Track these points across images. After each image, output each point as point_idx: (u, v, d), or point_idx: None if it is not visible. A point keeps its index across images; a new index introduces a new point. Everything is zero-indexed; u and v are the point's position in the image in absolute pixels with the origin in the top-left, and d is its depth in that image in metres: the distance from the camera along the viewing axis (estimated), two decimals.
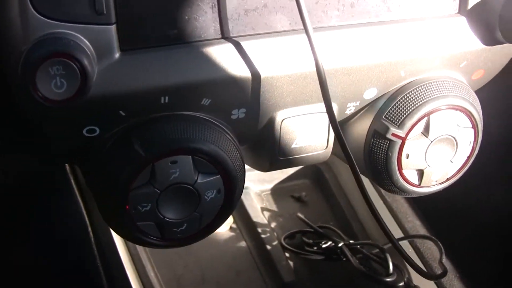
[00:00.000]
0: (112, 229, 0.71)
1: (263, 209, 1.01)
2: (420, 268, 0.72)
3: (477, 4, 0.71)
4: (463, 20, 0.71)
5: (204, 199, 0.64)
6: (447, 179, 0.75)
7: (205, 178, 0.64)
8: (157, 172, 0.62)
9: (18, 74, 0.54)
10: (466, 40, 0.71)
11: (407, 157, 0.70)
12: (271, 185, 1.05)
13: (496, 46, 0.72)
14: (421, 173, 0.73)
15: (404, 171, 0.72)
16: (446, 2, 0.70)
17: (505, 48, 0.73)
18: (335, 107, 0.69)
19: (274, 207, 1.03)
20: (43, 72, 0.54)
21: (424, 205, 0.93)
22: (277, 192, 1.05)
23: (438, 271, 0.85)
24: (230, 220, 1.01)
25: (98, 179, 0.65)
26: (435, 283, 0.89)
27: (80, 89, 0.55)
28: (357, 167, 0.66)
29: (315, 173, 1.06)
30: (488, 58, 0.73)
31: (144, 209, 0.63)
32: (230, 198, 0.66)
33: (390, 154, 0.70)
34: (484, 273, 0.90)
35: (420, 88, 0.70)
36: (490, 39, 0.71)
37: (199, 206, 0.65)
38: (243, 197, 1.04)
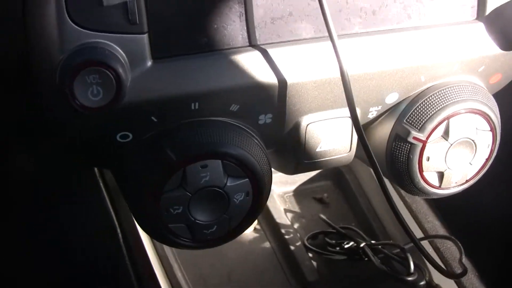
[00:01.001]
0: (144, 231, 0.73)
1: (286, 210, 1.03)
2: (441, 267, 0.74)
3: (494, 11, 0.73)
4: (480, 26, 0.73)
5: (233, 202, 0.67)
6: (467, 181, 0.77)
7: (234, 181, 0.66)
8: (188, 175, 0.64)
9: (54, 82, 0.57)
10: (484, 45, 0.73)
11: (428, 160, 0.73)
12: (293, 187, 1.08)
13: None
14: (441, 175, 0.75)
15: (425, 173, 0.74)
16: (464, 8, 0.73)
17: None
18: (358, 112, 0.72)
19: (296, 209, 1.05)
20: (80, 81, 0.57)
21: (444, 205, 0.95)
22: (300, 193, 1.08)
23: (458, 270, 0.87)
24: (254, 222, 1.03)
25: (131, 182, 0.68)
26: (456, 282, 0.91)
27: (115, 96, 0.58)
28: (379, 169, 0.68)
29: (336, 175, 1.08)
30: (505, 63, 0.76)
31: (176, 211, 0.66)
32: (258, 201, 0.69)
33: (411, 157, 0.73)
34: (503, 271, 0.92)
35: (440, 92, 0.72)
36: (507, 44, 0.73)
37: (229, 209, 0.67)
38: None
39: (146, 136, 0.65)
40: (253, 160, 0.66)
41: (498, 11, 0.73)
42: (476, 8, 0.73)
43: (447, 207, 0.98)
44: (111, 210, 0.88)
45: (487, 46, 0.74)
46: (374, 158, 0.68)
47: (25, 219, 0.83)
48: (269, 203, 1.04)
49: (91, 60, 0.57)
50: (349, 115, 0.70)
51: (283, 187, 1.07)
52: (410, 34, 0.71)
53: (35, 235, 0.84)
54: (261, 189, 0.68)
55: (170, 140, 0.65)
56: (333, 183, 1.09)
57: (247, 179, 0.67)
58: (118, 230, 0.87)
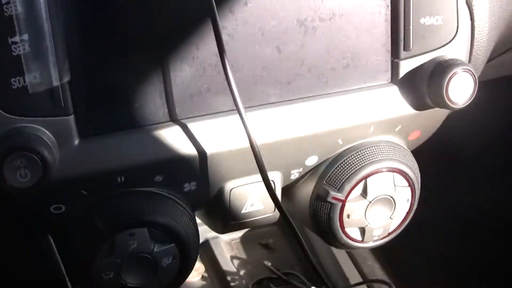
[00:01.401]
0: None
1: (232, 257, 1.07)
2: None
3: (407, 74, 0.77)
4: (395, 89, 0.77)
5: (162, 266, 0.71)
6: (389, 234, 0.82)
7: (161, 247, 0.71)
8: (117, 244, 0.69)
9: None
10: (399, 106, 0.78)
11: (348, 217, 0.77)
12: (240, 234, 1.11)
13: (428, 110, 0.78)
14: (363, 230, 0.79)
15: (346, 229, 0.78)
16: (378, 73, 0.77)
17: (437, 112, 0.79)
18: (279, 175, 0.76)
19: (243, 255, 1.09)
20: (8, 165, 0.61)
21: (383, 248, 0.99)
22: (246, 239, 1.11)
23: None
24: (202, 269, 1.07)
25: (66, 249, 0.72)
26: None
27: (42, 177, 0.62)
28: (295, 227, 0.74)
29: (282, 221, 1.12)
30: (421, 121, 0.80)
31: (108, 276, 0.70)
32: (186, 263, 0.73)
33: (332, 215, 0.77)
34: None
35: (356, 154, 0.77)
36: (421, 105, 0.78)
37: (158, 272, 0.71)
38: (213, 246, 1.11)
39: (77, 208, 0.69)
40: (178, 226, 0.70)
41: (411, 74, 0.78)
42: (390, 72, 0.77)
43: (386, 249, 1.02)
44: None
45: (401, 107, 0.78)
46: (288, 215, 0.74)
47: None
48: (216, 250, 1.09)
49: (17, 147, 0.61)
50: (272, 179, 0.74)
51: (230, 234, 1.11)
52: (325, 100, 0.75)
53: None
54: (187, 252, 0.72)
55: (99, 211, 0.69)
56: (279, 229, 1.13)
57: (173, 244, 0.71)
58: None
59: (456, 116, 0.84)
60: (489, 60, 0.92)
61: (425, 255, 1.02)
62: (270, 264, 1.05)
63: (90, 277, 0.70)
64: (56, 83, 0.63)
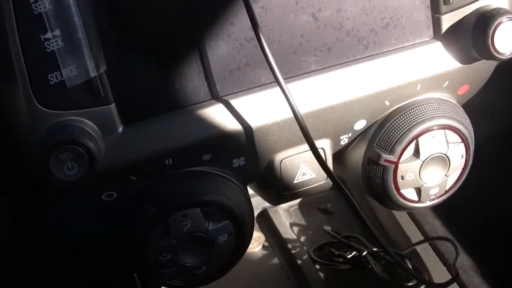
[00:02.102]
0: (142, 278, 0.78)
1: (291, 224, 1.07)
2: (425, 279, 0.77)
3: (449, 28, 0.75)
4: (438, 45, 0.76)
5: (218, 243, 0.71)
6: (446, 192, 0.80)
7: (215, 225, 0.71)
8: (171, 226, 0.69)
9: (32, 163, 0.62)
10: (444, 62, 0.76)
11: (402, 179, 0.76)
12: (298, 200, 1.11)
13: (475, 63, 0.76)
14: (419, 191, 0.78)
15: (402, 191, 0.77)
16: (420, 30, 0.75)
17: (484, 64, 0.77)
18: (328, 142, 0.75)
19: (302, 221, 1.09)
20: (54, 160, 0.61)
21: (444, 204, 0.97)
22: (304, 205, 1.11)
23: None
24: (262, 239, 1.07)
25: (122, 237, 0.73)
26: (456, 281, 0.94)
27: (89, 168, 0.63)
28: (348, 193, 0.74)
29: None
30: (469, 74, 0.78)
31: (165, 258, 0.71)
32: (241, 238, 0.73)
33: (385, 178, 0.76)
34: (505, 269, 0.94)
35: (405, 114, 0.75)
36: (467, 58, 0.76)
37: (214, 250, 0.72)
38: (272, 215, 1.11)
39: (129, 193, 0.69)
40: (231, 203, 0.70)
41: (453, 28, 0.76)
42: (431, 28, 0.76)
43: (446, 206, 1.01)
44: None
45: (447, 62, 0.76)
46: (341, 184, 0.73)
47: None
48: (275, 219, 1.09)
49: (61, 141, 0.62)
50: (321, 146, 0.73)
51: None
52: (368, 63, 0.74)
53: None
54: (242, 227, 0.72)
55: (150, 195, 0.69)
56: (336, 193, 1.12)
57: (228, 221, 0.71)
58: None
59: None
60: None
61: (487, 212, 1.00)
62: (330, 228, 1.05)
63: (147, 261, 0.70)
64: (93, 74, 0.63)
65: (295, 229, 1.07)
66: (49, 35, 0.60)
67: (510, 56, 0.73)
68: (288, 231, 1.06)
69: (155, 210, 0.69)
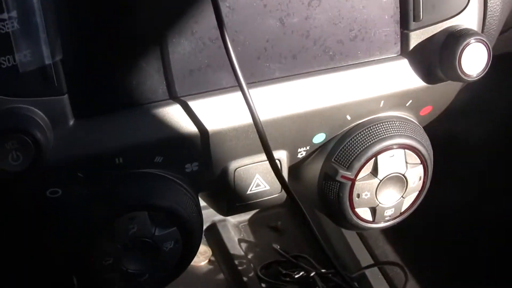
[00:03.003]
0: (81, 281, 0.74)
1: (240, 240, 1.05)
2: None
3: (417, 46, 0.74)
4: (405, 62, 0.74)
5: (163, 250, 0.68)
6: (401, 214, 0.78)
7: (162, 231, 0.68)
8: (117, 228, 0.66)
9: None
10: (409, 80, 0.75)
11: (358, 197, 0.74)
12: (248, 216, 1.09)
13: (440, 83, 0.75)
14: (374, 210, 0.76)
15: (357, 210, 0.75)
16: (388, 45, 0.74)
17: (449, 85, 0.76)
18: (285, 153, 0.73)
19: (251, 238, 1.06)
20: None
21: (395, 228, 0.96)
22: (254, 222, 1.09)
23: None
24: (209, 253, 1.04)
25: (64, 236, 0.69)
26: None
27: (35, 159, 0.59)
28: (302, 208, 0.71)
29: (290, 201, 1.09)
30: (433, 95, 0.77)
31: (108, 262, 0.67)
32: (188, 247, 0.70)
33: (341, 195, 0.74)
34: None
35: (366, 130, 0.73)
36: (432, 78, 0.75)
37: (159, 257, 0.68)
38: (220, 229, 1.08)
39: (75, 191, 0.66)
40: (180, 209, 0.67)
41: (421, 46, 0.74)
42: (399, 44, 0.74)
43: (398, 230, 1.00)
44: None
45: (412, 80, 0.75)
46: (296, 197, 0.71)
47: None
48: (224, 233, 1.06)
49: (7, 128, 0.58)
50: (278, 157, 0.71)
51: (237, 217, 1.08)
52: (332, 74, 0.72)
53: None
54: (190, 236, 0.69)
55: (97, 194, 0.66)
56: (288, 210, 1.10)
57: (175, 228, 0.68)
58: None
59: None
60: (502, 32, 0.88)
61: (439, 238, 0.99)
62: (278, 247, 1.03)
63: (89, 264, 0.67)
64: (48, 61, 0.60)
65: (244, 245, 1.04)
66: (4, 15, 0.57)
67: (476, 78, 0.72)
68: (236, 247, 1.03)
69: (101, 210, 0.65)
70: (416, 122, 0.78)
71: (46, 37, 0.60)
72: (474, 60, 0.72)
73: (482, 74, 0.73)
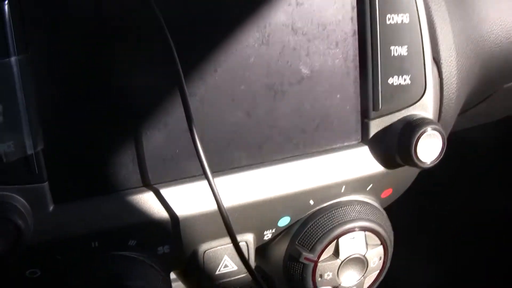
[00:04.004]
0: None
1: None
2: None
3: (377, 133, 0.79)
4: (365, 149, 0.79)
5: None
6: None
7: None
8: None
9: None
10: (369, 166, 0.79)
11: (321, 277, 0.78)
12: None
13: (398, 168, 0.80)
14: None
15: None
16: (349, 133, 0.79)
17: (408, 169, 0.81)
18: (252, 236, 0.77)
19: None
20: None
21: None
22: None
23: None
24: None
25: None
26: None
27: (16, 243, 0.63)
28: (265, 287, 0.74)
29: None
30: (393, 179, 0.82)
31: None
32: None
33: (304, 276, 0.78)
34: None
35: (327, 214, 0.78)
36: (391, 163, 0.80)
37: None
38: None
39: (53, 272, 0.70)
40: None
41: (380, 133, 0.79)
42: (360, 132, 0.79)
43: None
44: None
45: (372, 166, 0.80)
46: (260, 280, 0.74)
47: None
48: None
49: None
50: (244, 240, 0.75)
51: None
52: (296, 162, 0.76)
53: None
54: None
55: (74, 276, 0.70)
56: None
57: None
58: None
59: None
60: (462, 112, 0.93)
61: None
62: None
63: None
64: (30, 151, 0.65)
65: None
66: None
67: (431, 165, 0.76)
68: None
69: None
70: (376, 205, 0.82)
71: (29, 129, 0.64)
72: (429, 148, 0.77)
73: (437, 162, 0.77)
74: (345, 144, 0.79)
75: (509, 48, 0.89)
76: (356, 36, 0.76)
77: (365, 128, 0.79)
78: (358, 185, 0.79)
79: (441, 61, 0.83)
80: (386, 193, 0.83)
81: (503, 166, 1.01)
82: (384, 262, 0.82)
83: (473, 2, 0.86)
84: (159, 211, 0.71)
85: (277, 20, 0.72)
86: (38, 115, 0.65)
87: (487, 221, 1.03)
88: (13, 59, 0.62)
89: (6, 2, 0.61)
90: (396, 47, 0.76)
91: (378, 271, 0.82)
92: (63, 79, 0.66)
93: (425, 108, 0.80)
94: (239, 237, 0.75)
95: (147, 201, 0.71)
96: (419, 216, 0.98)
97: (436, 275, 1.08)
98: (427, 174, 0.85)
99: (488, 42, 0.87)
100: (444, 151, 0.77)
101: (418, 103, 0.79)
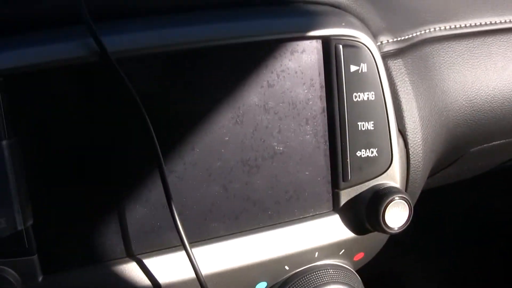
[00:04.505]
0: None
1: None
2: None
3: (347, 202, 0.84)
4: (336, 217, 0.84)
5: None
6: None
7: None
8: None
9: None
10: (341, 232, 0.85)
11: None
12: None
13: (369, 234, 0.85)
14: None
15: None
16: (320, 202, 0.84)
17: (377, 235, 0.86)
18: None
19: None
20: None
21: None
22: None
23: None
24: None
25: None
26: None
27: None
28: None
29: None
30: (364, 244, 0.87)
31: None
32: None
33: None
34: None
35: (302, 279, 0.83)
36: (361, 229, 0.85)
37: None
38: None
39: None
40: None
41: (350, 202, 0.85)
42: (331, 201, 0.84)
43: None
44: None
45: (343, 232, 0.85)
46: None
47: None
48: None
49: None
50: None
51: None
52: (271, 231, 0.82)
53: None
54: None
55: None
56: None
57: None
58: None
59: None
60: (431, 175, 0.98)
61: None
62: None
63: None
64: (20, 227, 0.70)
65: None
66: None
67: (398, 231, 0.82)
68: None
69: None
70: (349, 268, 0.87)
71: (19, 206, 0.69)
72: (396, 215, 0.82)
73: (404, 227, 0.82)
74: (317, 213, 0.84)
75: (472, 116, 0.94)
76: (325, 113, 0.81)
77: (335, 197, 0.85)
78: (331, 250, 0.84)
79: (407, 133, 0.87)
80: (358, 256, 0.88)
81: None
82: None
83: (437, 76, 0.91)
84: (142, 280, 0.76)
85: (250, 100, 0.77)
86: (27, 193, 0.70)
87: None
88: (4, 142, 0.68)
89: None
90: (363, 122, 0.81)
91: None
92: (50, 160, 0.71)
93: (393, 177, 0.85)
94: None
95: (131, 270, 0.76)
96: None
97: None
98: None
99: (452, 112, 0.92)
100: (411, 217, 0.82)
101: (385, 173, 0.85)
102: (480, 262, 1.06)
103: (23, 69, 0.68)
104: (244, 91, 0.76)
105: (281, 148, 0.79)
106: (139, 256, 0.76)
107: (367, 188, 0.84)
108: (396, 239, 0.89)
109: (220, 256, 0.79)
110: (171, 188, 0.72)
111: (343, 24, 0.78)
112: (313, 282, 0.82)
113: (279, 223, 0.82)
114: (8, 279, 0.69)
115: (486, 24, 0.94)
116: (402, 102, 0.86)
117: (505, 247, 1.05)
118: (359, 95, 0.80)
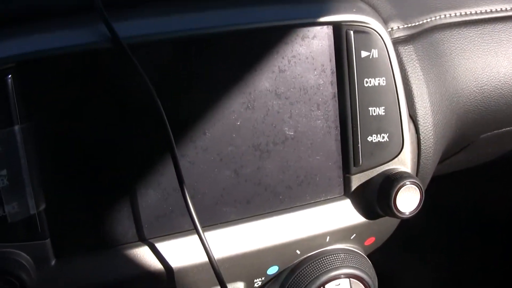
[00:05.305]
0: None
1: None
2: None
3: (358, 187, 0.85)
4: (347, 201, 0.85)
5: None
6: None
7: None
8: None
9: None
10: (352, 217, 0.85)
11: None
12: None
13: (379, 218, 0.86)
14: None
15: None
16: (331, 187, 0.84)
17: (388, 219, 0.86)
18: (242, 284, 0.83)
19: None
20: None
21: None
22: None
23: None
24: None
25: None
26: None
27: None
28: None
29: None
30: (375, 228, 0.87)
31: None
32: None
33: None
34: None
35: (314, 263, 0.83)
36: (372, 214, 0.85)
37: None
38: None
39: None
40: None
41: (361, 187, 0.85)
42: (342, 186, 0.85)
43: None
44: None
45: (354, 217, 0.85)
46: None
47: None
48: None
49: None
50: None
51: None
52: (282, 216, 0.82)
53: None
54: None
55: None
56: None
57: None
58: None
59: None
60: (442, 161, 0.99)
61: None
62: None
63: None
64: (33, 211, 0.71)
65: None
66: None
67: (409, 216, 0.82)
68: None
69: None
70: (360, 252, 0.88)
71: (32, 191, 0.70)
72: (408, 200, 0.82)
73: (416, 212, 0.83)
74: (328, 197, 0.85)
75: (483, 102, 0.94)
76: (336, 99, 0.81)
77: (347, 182, 0.85)
78: (342, 235, 0.85)
79: (417, 118, 0.87)
80: (369, 241, 0.88)
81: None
82: None
83: (447, 62, 0.91)
84: (154, 264, 0.76)
85: (261, 86, 0.77)
86: (40, 177, 0.71)
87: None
88: (16, 127, 0.69)
89: (10, 76, 0.67)
90: (374, 107, 0.81)
91: None
92: (62, 145, 0.72)
93: (404, 162, 0.85)
94: (230, 286, 0.81)
95: (143, 254, 0.76)
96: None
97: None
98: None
99: (463, 98, 0.93)
100: (422, 202, 0.82)
101: (396, 158, 0.85)
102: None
103: (36, 55, 0.68)
104: (255, 76, 0.76)
105: (292, 133, 0.79)
106: (151, 240, 0.77)
107: (378, 173, 0.84)
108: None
109: (231, 240, 0.79)
110: (182, 173, 0.72)
111: (354, 10, 0.78)
112: (323, 267, 0.83)
113: (291, 208, 0.82)
114: (21, 262, 0.70)
115: (496, 11, 0.94)
116: (413, 87, 0.86)
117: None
118: (370, 81, 0.80)
